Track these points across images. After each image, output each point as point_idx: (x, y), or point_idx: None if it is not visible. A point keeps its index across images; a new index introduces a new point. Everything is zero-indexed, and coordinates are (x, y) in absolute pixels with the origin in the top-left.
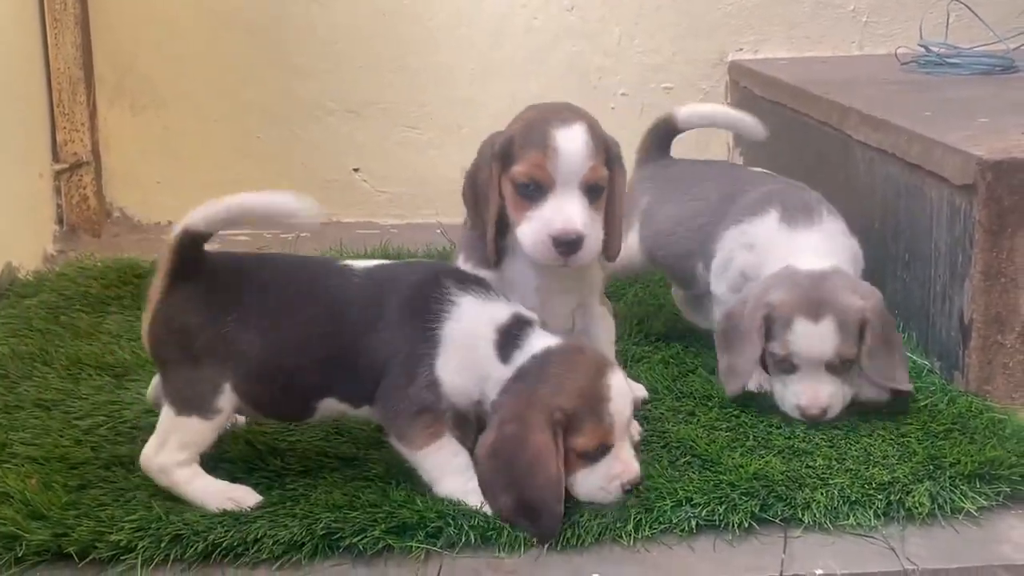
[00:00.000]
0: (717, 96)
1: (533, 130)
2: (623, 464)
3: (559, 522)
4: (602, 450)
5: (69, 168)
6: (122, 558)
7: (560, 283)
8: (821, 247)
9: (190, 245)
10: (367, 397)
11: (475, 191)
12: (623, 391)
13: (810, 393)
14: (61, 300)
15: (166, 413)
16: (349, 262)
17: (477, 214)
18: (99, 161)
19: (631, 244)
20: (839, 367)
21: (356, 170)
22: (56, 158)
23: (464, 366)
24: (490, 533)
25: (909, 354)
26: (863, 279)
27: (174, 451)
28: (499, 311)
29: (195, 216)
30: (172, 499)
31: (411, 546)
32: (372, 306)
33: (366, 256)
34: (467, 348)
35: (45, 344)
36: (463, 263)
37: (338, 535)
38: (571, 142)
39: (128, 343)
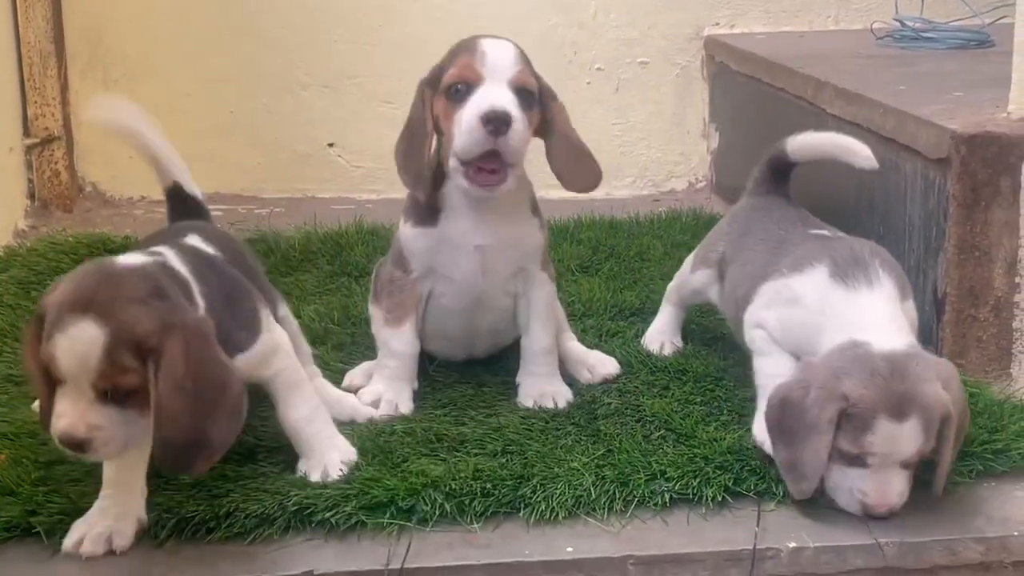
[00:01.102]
0: (693, 71)
1: (460, 46)
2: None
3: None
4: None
5: (40, 143)
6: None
7: (499, 241)
8: (883, 310)
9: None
10: None
11: (409, 137)
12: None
13: (881, 492)
14: (32, 275)
15: None
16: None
17: (409, 159)
18: (70, 136)
19: (698, 277)
20: (912, 463)
21: (331, 145)
22: (27, 133)
23: None
24: (464, 508)
25: None
26: None
27: None
28: None
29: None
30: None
31: (383, 522)
32: None
33: (340, 232)
34: None
35: (16, 320)
36: (406, 228)
37: (310, 510)
38: (499, 46)
39: None
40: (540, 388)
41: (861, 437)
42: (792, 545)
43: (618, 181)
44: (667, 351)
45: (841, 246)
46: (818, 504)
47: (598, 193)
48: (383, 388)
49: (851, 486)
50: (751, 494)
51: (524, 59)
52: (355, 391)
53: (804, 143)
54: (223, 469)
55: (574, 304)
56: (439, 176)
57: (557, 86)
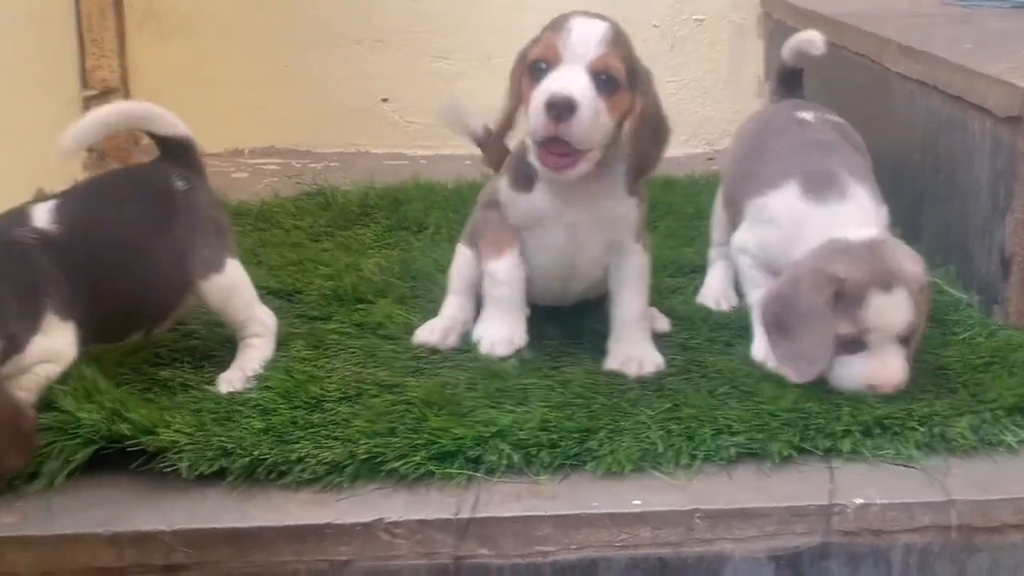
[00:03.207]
0: (749, 28)
1: (553, 21)
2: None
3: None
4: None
5: (98, 95)
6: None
7: (592, 217)
8: (858, 218)
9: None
10: None
11: (503, 107)
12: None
13: (885, 371)
14: None
15: None
16: None
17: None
18: (127, 88)
19: (720, 217)
20: (905, 339)
21: (385, 100)
22: (85, 84)
23: None
24: (531, 460)
25: (948, 287)
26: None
27: None
28: None
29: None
30: (216, 421)
31: (451, 472)
32: None
33: (397, 187)
34: None
35: None
36: (506, 190)
37: (380, 459)
38: (586, 25)
39: None
40: (628, 352)
41: (857, 314)
42: (859, 501)
43: (673, 139)
44: (724, 307)
45: (808, 157)
46: (885, 461)
47: None
48: (496, 327)
49: (855, 371)
50: (818, 452)
51: (614, 41)
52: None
53: (787, 45)
54: (292, 416)
55: None
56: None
57: None
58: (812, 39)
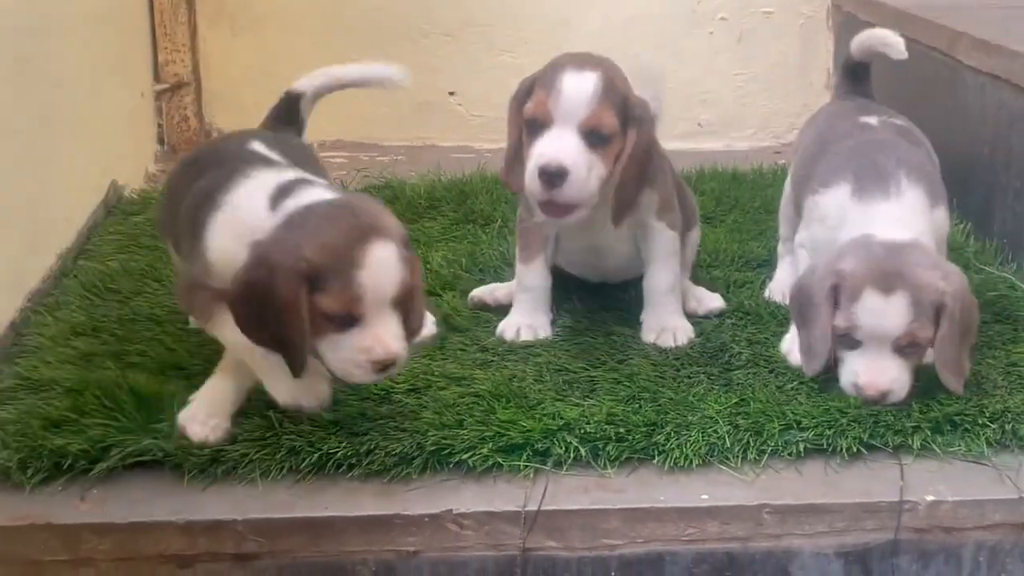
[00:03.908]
0: (819, 21)
1: (547, 73)
2: (377, 342)
3: (305, 362)
4: (348, 319)
5: (170, 88)
6: (240, 470)
7: (605, 209)
8: (900, 218)
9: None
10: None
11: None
12: (385, 265)
13: (871, 371)
14: None
15: None
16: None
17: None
18: (199, 82)
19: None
20: (907, 350)
21: (452, 94)
22: (157, 78)
23: (233, 226)
24: (598, 453)
25: (1020, 283)
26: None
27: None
28: (286, 174)
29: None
30: (286, 414)
31: (519, 464)
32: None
33: (463, 180)
34: (239, 208)
35: (154, 260)
36: (527, 217)
37: (447, 451)
38: (575, 83)
39: None
40: (661, 323)
41: (849, 309)
42: (930, 498)
43: (739, 132)
44: None
45: (866, 157)
46: (956, 458)
47: (718, 145)
48: (521, 318)
49: (848, 368)
50: (889, 448)
51: (604, 93)
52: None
53: (857, 40)
54: (361, 408)
55: (700, 255)
56: None
57: (679, 36)
58: (891, 43)
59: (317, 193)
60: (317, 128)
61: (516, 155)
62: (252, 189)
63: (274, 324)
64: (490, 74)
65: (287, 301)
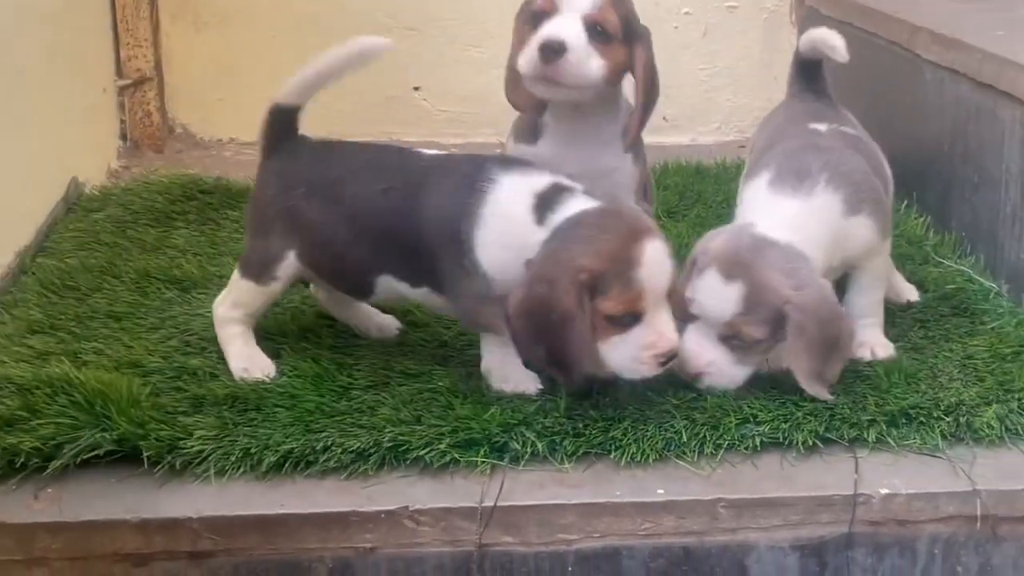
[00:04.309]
0: (782, 16)
1: None
2: (658, 335)
3: (584, 377)
4: (631, 317)
5: (132, 84)
6: (196, 469)
7: (592, 170)
8: (794, 218)
9: (279, 120)
10: (424, 278)
11: (509, 65)
12: (661, 260)
13: (688, 348)
14: (127, 214)
15: (235, 272)
16: (421, 149)
17: (511, 82)
18: (162, 77)
19: None
20: (734, 342)
21: (416, 88)
22: (120, 74)
23: (503, 239)
24: (556, 448)
25: (977, 276)
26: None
27: (229, 308)
28: (539, 180)
29: (283, 90)
30: (242, 410)
31: (476, 460)
32: (422, 187)
33: None
34: (504, 218)
35: (113, 257)
36: (511, 144)
37: (405, 447)
38: None
39: (195, 257)
40: None
41: (693, 281)
42: (885, 491)
43: (704, 127)
44: None
45: (796, 156)
46: (910, 451)
47: (683, 139)
48: None
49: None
50: (843, 441)
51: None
52: None
53: (803, 39)
54: (319, 404)
55: None
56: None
57: None
58: (834, 46)
59: (578, 202)
60: None
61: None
62: (512, 197)
63: (555, 339)
64: (455, 69)
65: (570, 312)
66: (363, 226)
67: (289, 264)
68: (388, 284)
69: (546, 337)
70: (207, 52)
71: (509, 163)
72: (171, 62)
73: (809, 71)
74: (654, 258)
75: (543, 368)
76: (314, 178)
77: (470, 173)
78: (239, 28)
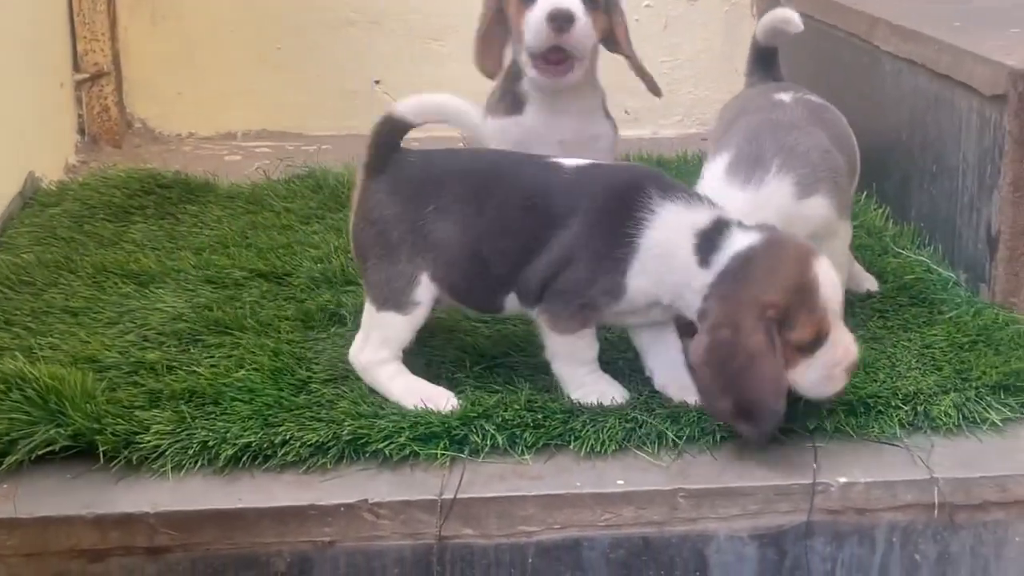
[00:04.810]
0: (743, 8)
1: None
2: (843, 349)
3: (778, 421)
4: (819, 340)
5: (90, 78)
6: (152, 464)
7: (577, 137)
8: (738, 211)
9: (392, 133)
10: (539, 296)
11: (485, 31)
12: (831, 277)
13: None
14: (85, 209)
15: (367, 311)
16: (560, 159)
17: (488, 49)
18: (119, 72)
19: None
20: None
21: (377, 82)
22: (77, 68)
23: (659, 274)
24: (516, 440)
25: (936, 266)
26: None
27: (376, 349)
28: (700, 216)
29: (404, 103)
30: (200, 405)
31: (436, 453)
32: (570, 203)
33: None
34: (665, 256)
35: (70, 252)
36: (489, 121)
37: (364, 440)
38: None
39: (152, 252)
40: None
41: None
42: (843, 480)
43: (665, 120)
44: None
45: (755, 136)
46: (869, 440)
47: (645, 132)
48: None
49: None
50: (802, 431)
51: None
52: None
53: (760, 25)
54: (278, 398)
55: None
56: (516, 71)
57: None
58: (788, 18)
59: (740, 238)
60: (241, 118)
61: (491, 35)
62: (673, 234)
63: (744, 384)
64: (416, 62)
65: (761, 351)
66: (503, 242)
67: (425, 287)
68: (514, 302)
69: (735, 384)
70: (165, 46)
71: (666, 189)
72: (129, 56)
73: (766, 60)
74: (828, 278)
75: (728, 421)
76: (445, 193)
77: (627, 198)
78: (197, 21)
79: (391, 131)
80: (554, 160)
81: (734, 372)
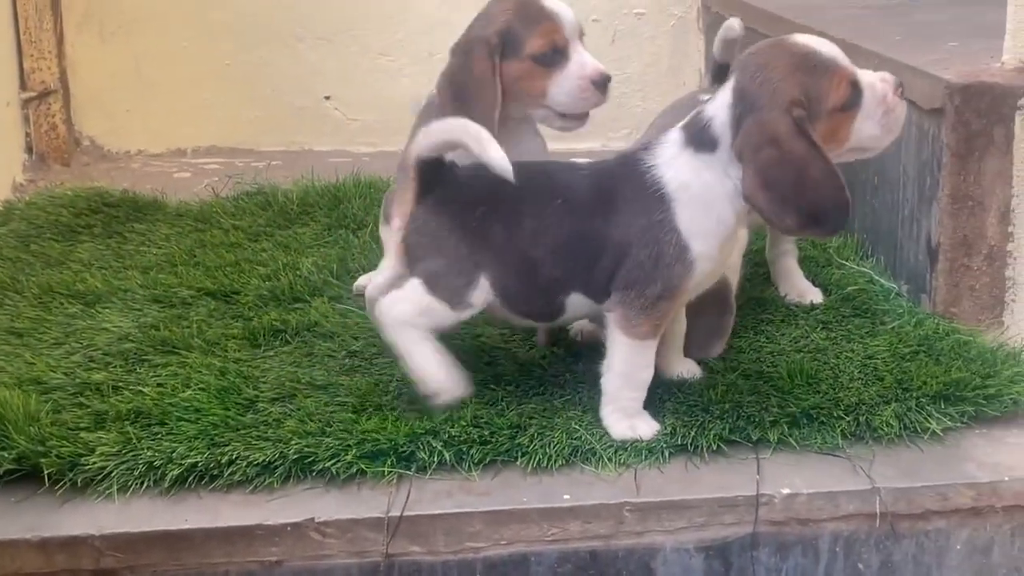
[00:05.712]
0: (689, 22)
1: (528, 9)
2: (879, 85)
3: (848, 212)
4: (856, 93)
5: (37, 96)
6: (98, 487)
7: (520, 152)
8: None
9: (427, 168)
10: (608, 289)
11: (461, 91)
12: (815, 39)
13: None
14: (31, 229)
15: (417, 286)
16: (575, 160)
17: (477, 115)
18: (67, 89)
19: None
20: None
21: (327, 98)
22: (24, 86)
23: (698, 192)
24: (463, 457)
25: (878, 277)
26: None
27: (415, 314)
28: (678, 130)
29: (420, 144)
30: (146, 425)
31: (383, 471)
32: (604, 195)
33: (337, 185)
34: (687, 173)
35: (16, 272)
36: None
37: (311, 459)
38: (566, 10)
39: (99, 271)
40: None
41: None
42: (786, 491)
43: (614, 133)
44: None
45: (662, 127)
46: (812, 451)
47: (595, 145)
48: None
49: None
50: (748, 443)
51: None
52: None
53: (716, 40)
54: (224, 417)
55: None
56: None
57: None
58: (730, 24)
59: (720, 96)
60: (190, 134)
61: (484, 98)
62: (675, 157)
63: (804, 191)
64: (366, 77)
65: (807, 152)
66: (544, 242)
67: (483, 290)
68: (577, 303)
69: (796, 196)
70: (114, 62)
71: (649, 146)
72: (77, 73)
73: (723, 74)
74: (814, 41)
75: (801, 233)
76: (488, 199)
77: (630, 171)
78: (147, 37)
79: (427, 169)
80: (572, 161)
81: (790, 185)
